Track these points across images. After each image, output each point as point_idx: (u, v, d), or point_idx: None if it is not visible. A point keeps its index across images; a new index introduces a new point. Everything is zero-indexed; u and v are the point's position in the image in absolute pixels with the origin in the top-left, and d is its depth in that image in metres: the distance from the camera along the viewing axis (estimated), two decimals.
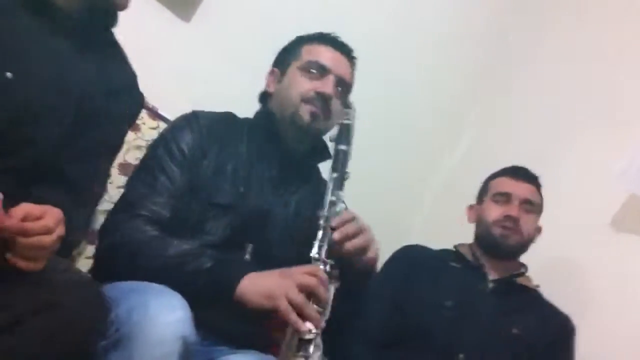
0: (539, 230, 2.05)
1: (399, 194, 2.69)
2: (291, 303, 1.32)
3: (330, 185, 1.47)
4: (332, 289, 1.39)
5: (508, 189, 2.03)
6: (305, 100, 1.60)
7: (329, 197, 1.45)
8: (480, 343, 1.85)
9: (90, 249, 1.67)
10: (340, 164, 1.49)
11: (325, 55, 1.65)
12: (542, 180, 2.07)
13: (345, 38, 1.71)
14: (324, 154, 1.67)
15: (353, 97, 1.69)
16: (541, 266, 2.09)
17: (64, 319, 1.09)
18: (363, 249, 1.44)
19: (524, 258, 2.06)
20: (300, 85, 1.62)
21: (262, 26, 2.16)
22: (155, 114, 1.85)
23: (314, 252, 1.41)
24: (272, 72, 1.72)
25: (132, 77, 1.49)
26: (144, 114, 1.77)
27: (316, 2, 2.22)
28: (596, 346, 2.02)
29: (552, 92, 2.63)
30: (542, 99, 2.67)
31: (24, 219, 1.07)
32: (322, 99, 1.60)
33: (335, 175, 1.48)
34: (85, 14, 1.35)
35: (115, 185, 1.70)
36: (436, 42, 2.64)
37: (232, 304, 1.34)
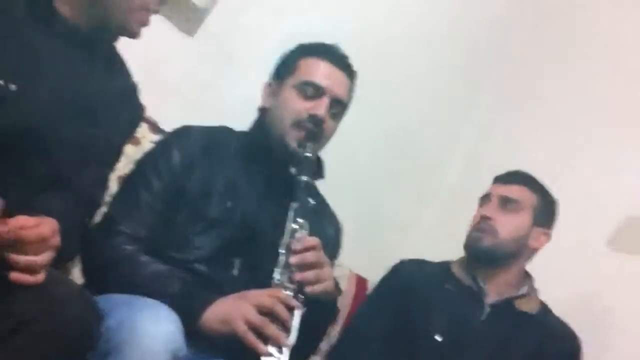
0: (544, 235, 1.95)
1: (408, 198, 2.68)
2: (249, 325, 1.32)
3: (291, 214, 1.47)
4: (296, 314, 1.38)
5: (489, 190, 1.98)
6: (296, 123, 1.58)
7: (290, 225, 1.46)
8: None
9: None
10: (302, 194, 1.50)
11: (321, 73, 1.62)
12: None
13: (346, 49, 1.68)
14: (318, 172, 1.67)
15: (356, 104, 1.69)
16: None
17: (57, 329, 1.10)
18: (314, 281, 1.43)
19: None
20: (293, 106, 1.60)
21: (265, 41, 2.17)
22: (155, 128, 1.86)
23: (275, 278, 1.41)
24: (267, 86, 1.70)
25: (133, 88, 1.51)
26: (144, 127, 1.78)
27: (318, 18, 2.24)
28: None
29: (556, 101, 2.61)
30: (546, 108, 2.64)
31: (20, 229, 1.09)
32: (315, 122, 1.58)
33: (296, 205, 1.48)
34: (93, 29, 1.36)
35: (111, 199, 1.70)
36: (437, 46, 2.63)
37: (196, 332, 1.33)
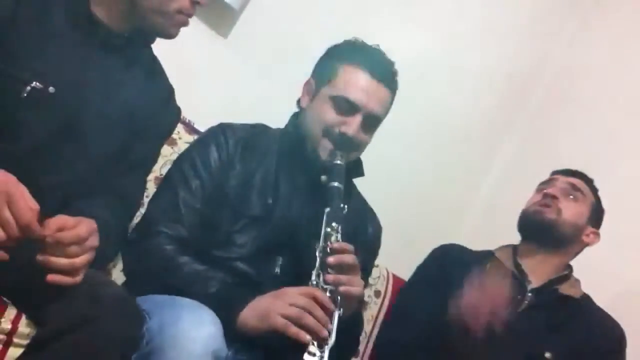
0: (595, 234, 1.96)
1: (447, 199, 2.66)
2: (287, 317, 1.31)
3: (325, 219, 1.47)
4: (335, 315, 1.37)
5: (552, 177, 2.00)
6: (327, 135, 1.57)
7: (325, 229, 1.45)
8: None
9: None
10: (334, 199, 1.50)
11: (360, 86, 1.57)
12: None
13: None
14: (356, 171, 1.67)
15: (398, 110, 1.68)
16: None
17: (101, 333, 1.11)
18: (347, 283, 1.42)
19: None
20: (326, 117, 1.57)
21: (298, 42, 2.16)
22: (191, 129, 1.87)
23: (312, 279, 1.41)
24: (307, 83, 1.67)
25: (170, 91, 1.52)
26: (180, 128, 1.79)
27: (354, 21, 2.22)
28: None
29: (595, 108, 2.58)
30: (586, 114, 2.63)
31: (59, 230, 1.09)
32: (344, 139, 1.56)
33: (328, 210, 1.48)
34: (131, 33, 1.37)
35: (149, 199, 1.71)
36: (480, 49, 2.62)
37: (235, 331, 1.33)
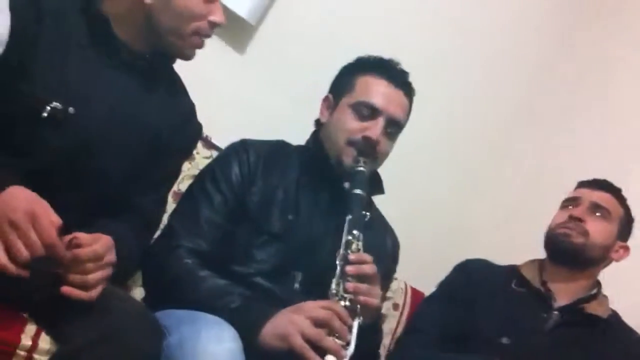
0: (624, 249, 1.91)
1: (465, 212, 2.64)
2: (306, 338, 1.30)
3: (346, 226, 1.47)
4: (355, 324, 1.37)
5: (577, 194, 1.94)
6: (351, 142, 1.58)
7: (345, 237, 1.46)
8: None
9: None
10: (356, 207, 1.50)
11: (379, 92, 1.60)
12: None
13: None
14: (376, 188, 1.67)
15: (413, 119, 1.68)
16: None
17: (123, 348, 1.12)
18: (366, 293, 1.42)
19: None
20: (348, 126, 1.59)
21: (316, 57, 2.17)
22: (209, 144, 1.88)
23: (332, 287, 1.40)
24: (326, 99, 1.69)
25: (191, 108, 1.53)
26: (198, 143, 1.79)
27: (370, 35, 2.22)
28: None
29: (620, 112, 2.54)
30: (609, 119, 2.58)
31: (76, 247, 1.10)
32: (368, 144, 1.57)
33: (350, 217, 1.48)
34: (151, 53, 1.39)
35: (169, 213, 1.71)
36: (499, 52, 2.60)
37: (255, 348, 1.32)
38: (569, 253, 1.86)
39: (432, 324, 1.86)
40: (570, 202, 1.95)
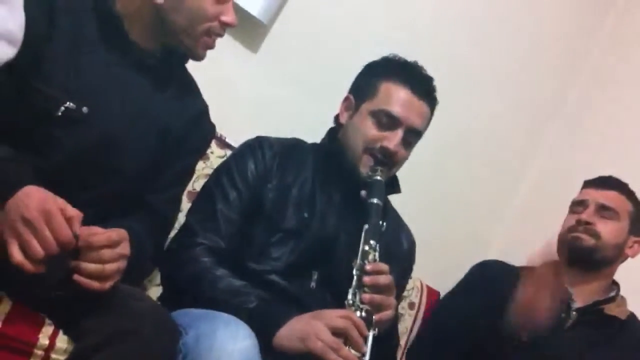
0: (638, 243, 1.91)
1: (480, 210, 2.63)
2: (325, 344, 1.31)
3: (363, 236, 1.47)
4: (370, 335, 1.37)
5: (584, 196, 1.94)
6: (368, 150, 1.57)
7: (363, 247, 1.45)
8: None
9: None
10: (373, 216, 1.50)
11: (401, 101, 1.57)
12: None
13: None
14: (393, 188, 1.66)
15: (439, 110, 1.67)
16: None
17: (139, 347, 1.11)
18: (381, 304, 1.42)
19: None
20: (367, 133, 1.58)
21: (328, 55, 2.17)
22: (223, 143, 1.88)
23: (348, 298, 1.40)
24: (346, 99, 1.67)
25: (204, 108, 1.53)
26: (212, 143, 1.80)
27: (383, 33, 2.22)
28: None
29: (634, 112, 2.53)
30: (622, 118, 2.58)
31: (89, 235, 1.11)
32: (385, 154, 1.56)
33: (367, 227, 1.48)
34: (163, 52, 1.39)
35: (184, 213, 1.71)
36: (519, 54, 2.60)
37: (271, 348, 1.32)
38: (582, 256, 1.88)
39: (452, 321, 1.85)
40: (577, 205, 1.95)
